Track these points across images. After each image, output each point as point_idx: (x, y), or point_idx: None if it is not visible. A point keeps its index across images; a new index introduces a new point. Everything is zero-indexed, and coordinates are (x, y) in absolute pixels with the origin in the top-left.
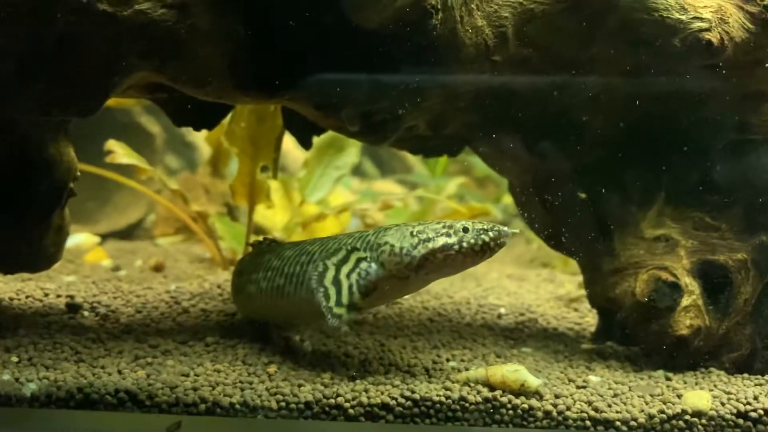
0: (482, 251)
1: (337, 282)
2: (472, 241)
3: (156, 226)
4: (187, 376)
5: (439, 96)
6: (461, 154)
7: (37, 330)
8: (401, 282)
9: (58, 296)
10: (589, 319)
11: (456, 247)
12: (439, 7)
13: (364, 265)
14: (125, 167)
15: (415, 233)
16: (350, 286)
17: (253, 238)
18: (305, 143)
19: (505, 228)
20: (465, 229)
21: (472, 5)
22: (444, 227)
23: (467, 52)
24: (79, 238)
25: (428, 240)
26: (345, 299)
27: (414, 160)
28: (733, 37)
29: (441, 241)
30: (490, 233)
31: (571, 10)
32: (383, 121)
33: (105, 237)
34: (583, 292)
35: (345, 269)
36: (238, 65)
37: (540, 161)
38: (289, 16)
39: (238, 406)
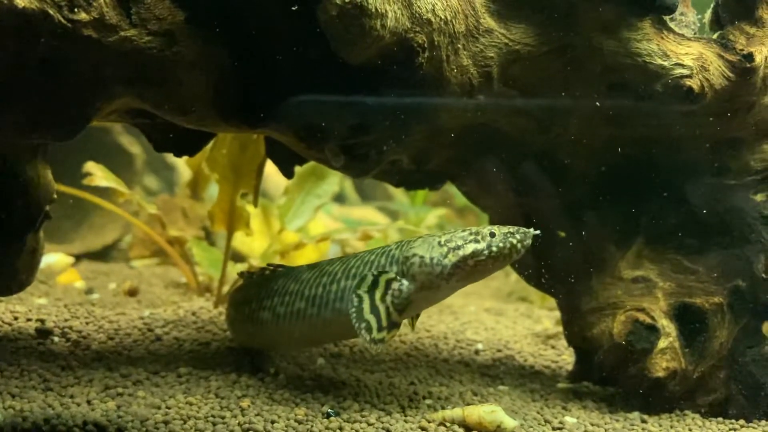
0: (510, 254)
1: (375, 309)
2: (501, 244)
3: (132, 248)
4: (159, 408)
5: (423, 132)
6: None
7: (4, 356)
8: (431, 292)
9: (28, 320)
10: (565, 357)
11: (486, 252)
12: (426, 45)
13: (395, 285)
14: (103, 188)
15: (443, 243)
16: (387, 308)
17: (232, 267)
18: (287, 172)
19: (530, 229)
20: (492, 234)
21: (459, 45)
22: (471, 234)
23: (452, 90)
24: (52, 258)
25: (458, 248)
26: (384, 322)
27: (394, 188)
28: (713, 84)
29: (470, 247)
30: (517, 235)
31: (556, 53)
32: (366, 155)
33: (79, 257)
34: (560, 329)
35: (378, 294)
36: (222, 94)
37: (521, 199)
38: (275, 48)
39: None
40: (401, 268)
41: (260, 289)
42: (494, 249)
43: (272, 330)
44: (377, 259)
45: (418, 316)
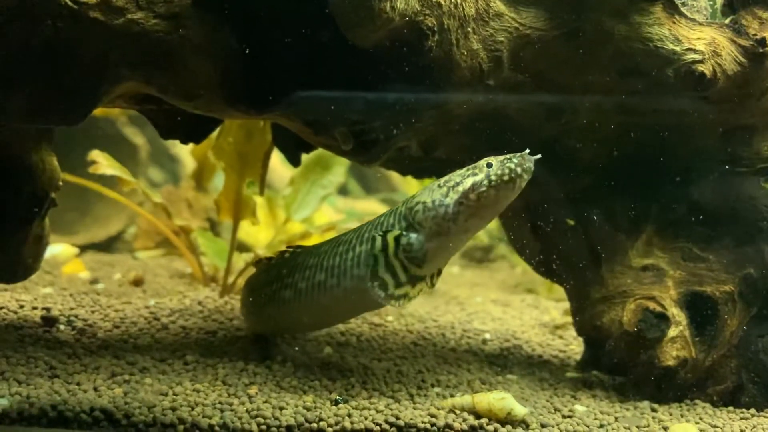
0: (511, 180)
1: (389, 266)
2: (499, 171)
3: (136, 239)
4: (166, 395)
5: (432, 118)
6: None
7: (10, 343)
8: (444, 239)
9: (34, 308)
10: (574, 346)
11: (486, 182)
12: (435, 28)
13: (404, 240)
14: (107, 178)
15: (442, 184)
16: (402, 264)
17: (238, 257)
18: (294, 160)
19: (526, 151)
20: (489, 165)
21: (469, 28)
22: (468, 170)
23: (462, 74)
24: (57, 249)
25: (457, 184)
26: (403, 278)
27: (399, 180)
28: (725, 69)
29: (469, 181)
30: (514, 159)
31: (566, 37)
32: (374, 141)
33: (83, 248)
34: (568, 319)
35: (390, 251)
36: (229, 79)
37: (531, 187)
38: (283, 32)
39: (217, 428)
40: (409, 221)
41: (280, 269)
42: (493, 177)
43: (294, 307)
44: (386, 220)
45: (439, 273)
